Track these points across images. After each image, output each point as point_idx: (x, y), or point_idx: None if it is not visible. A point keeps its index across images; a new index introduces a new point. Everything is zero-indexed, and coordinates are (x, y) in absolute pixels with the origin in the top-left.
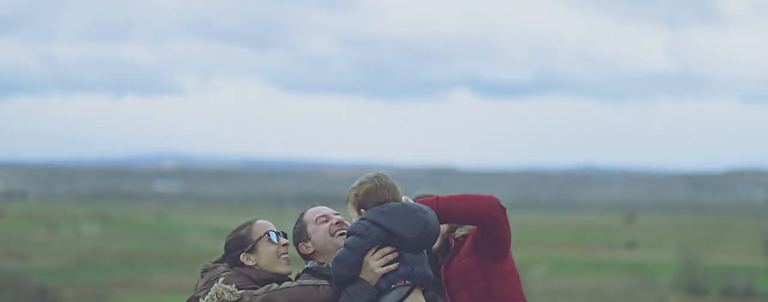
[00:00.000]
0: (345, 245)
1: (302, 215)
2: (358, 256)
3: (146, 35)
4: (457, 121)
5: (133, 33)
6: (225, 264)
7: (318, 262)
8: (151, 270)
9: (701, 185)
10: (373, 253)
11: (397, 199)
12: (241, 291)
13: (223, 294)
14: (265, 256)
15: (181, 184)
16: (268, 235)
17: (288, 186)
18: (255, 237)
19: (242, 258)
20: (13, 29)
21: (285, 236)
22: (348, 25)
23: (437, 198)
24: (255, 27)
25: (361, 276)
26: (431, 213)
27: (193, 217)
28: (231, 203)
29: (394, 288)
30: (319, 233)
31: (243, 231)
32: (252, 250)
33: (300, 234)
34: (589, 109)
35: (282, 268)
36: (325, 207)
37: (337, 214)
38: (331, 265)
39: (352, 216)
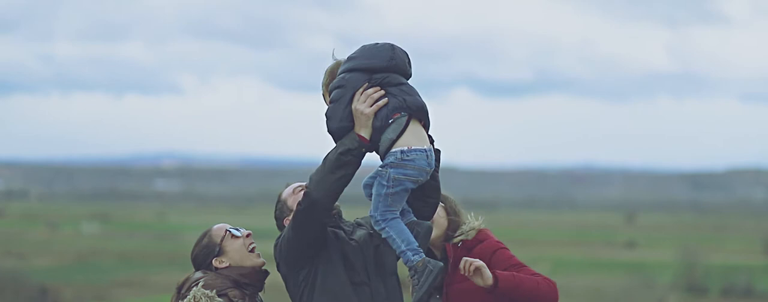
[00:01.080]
0: (329, 102)
1: (279, 195)
2: (345, 105)
3: (146, 35)
4: (457, 120)
5: (132, 33)
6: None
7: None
8: (151, 270)
9: (701, 184)
10: (358, 98)
11: None
12: (220, 300)
13: (201, 299)
14: (235, 252)
15: (181, 184)
16: (230, 232)
17: None
18: (218, 239)
19: (215, 263)
20: (13, 29)
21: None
22: (347, 24)
23: (499, 278)
24: (254, 27)
25: (356, 125)
26: (396, 45)
27: (193, 217)
28: (231, 202)
29: (391, 122)
30: (291, 202)
31: (204, 241)
32: (220, 253)
33: (283, 212)
34: (589, 109)
35: (254, 260)
36: (297, 184)
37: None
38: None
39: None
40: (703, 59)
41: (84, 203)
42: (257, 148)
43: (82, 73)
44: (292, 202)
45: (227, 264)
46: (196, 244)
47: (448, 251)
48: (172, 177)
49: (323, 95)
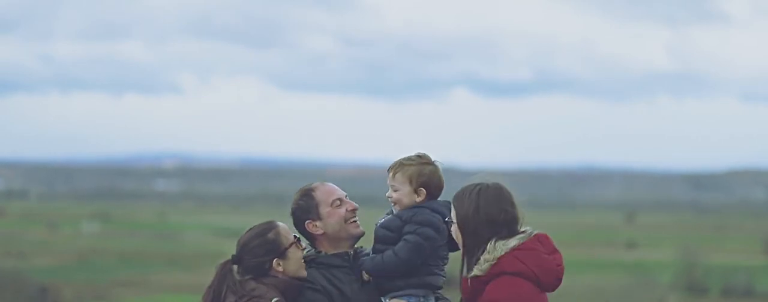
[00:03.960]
0: (420, 233)
1: (312, 190)
2: (430, 250)
3: (145, 34)
4: (457, 120)
5: (132, 32)
6: (248, 275)
7: (315, 250)
8: (151, 269)
9: (701, 185)
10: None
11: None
12: None
13: None
14: (294, 262)
15: (181, 183)
16: (299, 241)
17: (288, 185)
18: (286, 242)
19: (275, 264)
20: (12, 29)
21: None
22: (347, 24)
23: None
24: (254, 26)
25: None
26: None
27: (193, 216)
28: (231, 202)
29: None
30: (334, 218)
31: (271, 235)
32: (283, 256)
33: (309, 212)
34: (589, 108)
35: (304, 273)
36: (335, 187)
37: (347, 196)
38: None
39: (396, 187)
40: (703, 59)
41: (84, 203)
42: (257, 148)
43: (82, 73)
44: (327, 214)
45: (283, 271)
46: (259, 235)
47: (464, 284)
48: (172, 177)
49: (403, 174)
